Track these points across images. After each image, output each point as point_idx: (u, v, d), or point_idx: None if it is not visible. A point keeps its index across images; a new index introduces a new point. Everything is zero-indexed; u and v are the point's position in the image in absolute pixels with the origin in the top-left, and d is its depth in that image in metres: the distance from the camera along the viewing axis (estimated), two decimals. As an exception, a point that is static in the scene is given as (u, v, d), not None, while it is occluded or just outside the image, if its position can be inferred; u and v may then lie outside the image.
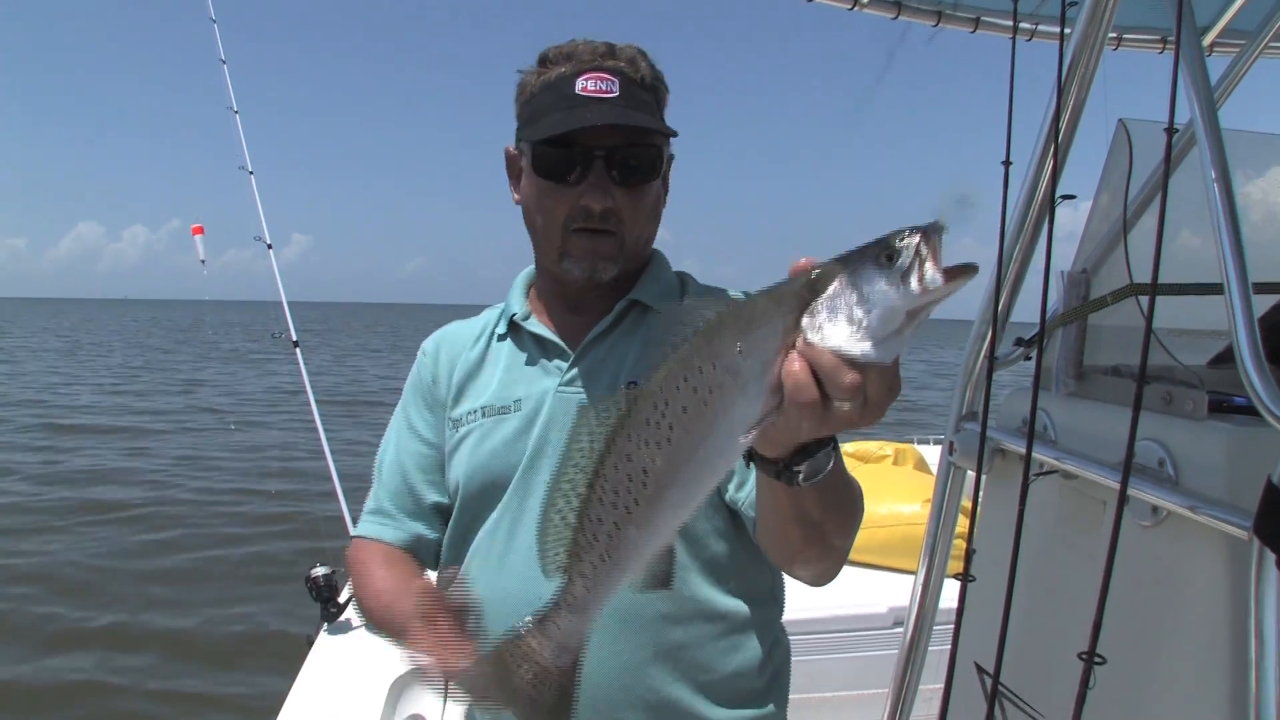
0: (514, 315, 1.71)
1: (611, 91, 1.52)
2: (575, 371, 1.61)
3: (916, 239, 0.83)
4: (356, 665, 3.01)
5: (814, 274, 0.87)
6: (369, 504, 1.73)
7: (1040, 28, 3.09)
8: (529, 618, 1.00)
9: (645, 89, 1.58)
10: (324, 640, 3.23)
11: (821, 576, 1.44)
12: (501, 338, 1.72)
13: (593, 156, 1.51)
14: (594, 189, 1.52)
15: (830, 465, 1.05)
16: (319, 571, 3.38)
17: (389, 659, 2.99)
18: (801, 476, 1.03)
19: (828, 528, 1.25)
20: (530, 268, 1.78)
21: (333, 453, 4.07)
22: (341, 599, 3.33)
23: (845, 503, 1.28)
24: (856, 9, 3.01)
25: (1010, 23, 2.33)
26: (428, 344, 1.80)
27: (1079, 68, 2.03)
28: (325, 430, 4.09)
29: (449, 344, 1.78)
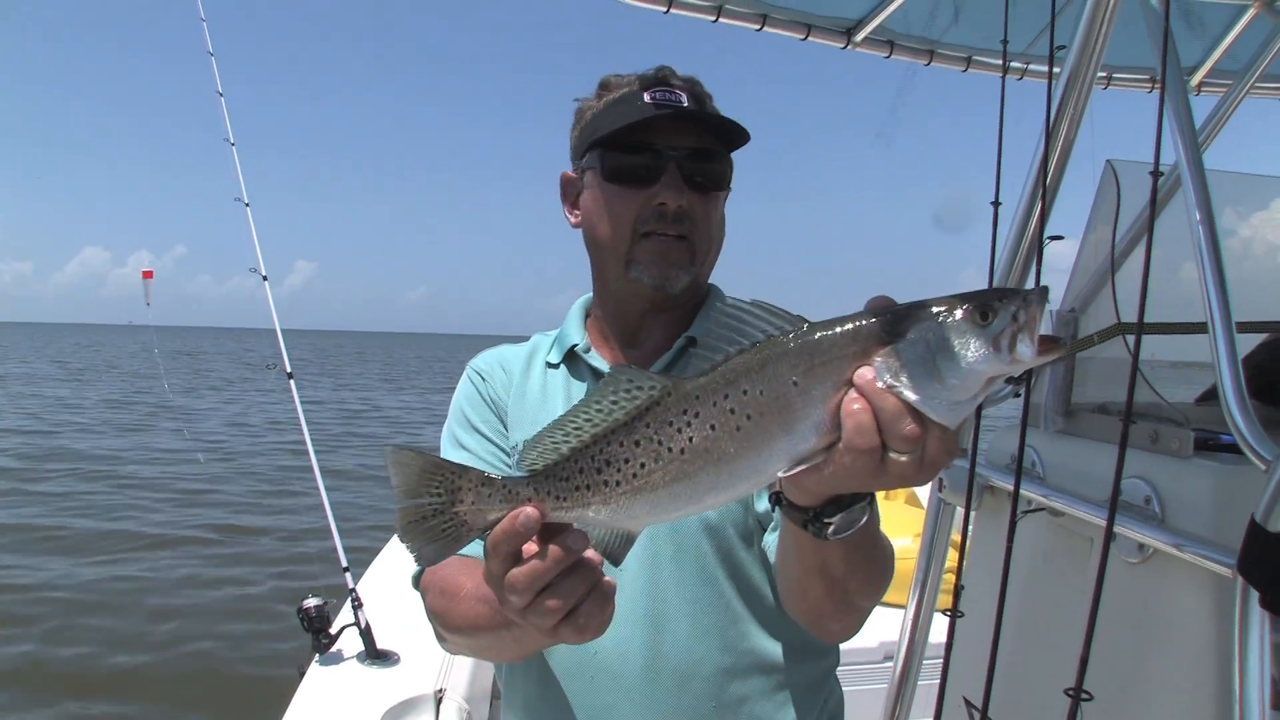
0: (574, 346, 1.66)
1: (681, 101, 1.52)
2: None
3: (1017, 303, 0.78)
4: (348, 697, 2.98)
5: (897, 313, 0.81)
6: None
7: (1031, 67, 3.14)
8: (490, 472, 0.93)
9: (710, 106, 1.58)
10: (315, 671, 3.20)
11: (840, 635, 1.38)
12: (553, 366, 1.67)
13: (667, 157, 1.50)
14: (668, 188, 1.49)
15: (864, 520, 0.98)
16: (311, 602, 3.34)
17: (381, 690, 2.98)
18: (831, 529, 0.97)
19: (851, 586, 1.18)
20: (585, 296, 1.74)
21: (324, 479, 4.03)
22: (333, 630, 3.30)
23: (874, 562, 1.18)
24: (850, 48, 3.06)
25: (1001, 62, 2.35)
26: (480, 365, 1.72)
27: (1068, 107, 2.05)
28: (318, 460, 4.06)
29: (503, 367, 1.71)
